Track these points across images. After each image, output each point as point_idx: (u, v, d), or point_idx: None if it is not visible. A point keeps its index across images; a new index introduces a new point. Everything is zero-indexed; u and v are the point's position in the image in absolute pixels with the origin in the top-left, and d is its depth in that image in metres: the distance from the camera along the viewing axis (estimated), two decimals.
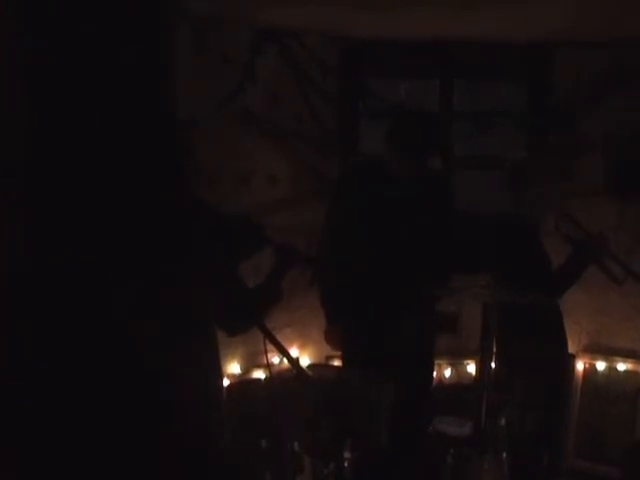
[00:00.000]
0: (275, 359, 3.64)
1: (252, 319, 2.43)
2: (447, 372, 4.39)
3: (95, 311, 2.18)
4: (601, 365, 4.32)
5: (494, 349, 3.31)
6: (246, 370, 4.01)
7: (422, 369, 3.56)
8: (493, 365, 3.35)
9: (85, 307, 2.19)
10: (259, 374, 4.01)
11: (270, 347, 2.40)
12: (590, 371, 4.33)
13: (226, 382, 3.78)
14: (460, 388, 4.19)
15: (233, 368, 3.99)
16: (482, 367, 3.30)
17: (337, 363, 4.10)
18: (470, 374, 4.29)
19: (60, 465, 2.21)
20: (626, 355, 4.29)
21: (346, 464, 2.79)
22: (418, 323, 3.40)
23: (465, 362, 4.37)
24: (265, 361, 2.50)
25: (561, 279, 3.41)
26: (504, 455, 3.38)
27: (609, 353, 4.32)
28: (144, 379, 2.23)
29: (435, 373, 3.98)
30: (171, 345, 2.23)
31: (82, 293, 2.19)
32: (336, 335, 3.45)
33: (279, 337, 2.40)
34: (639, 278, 3.46)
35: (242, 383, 3.95)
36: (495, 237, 3.52)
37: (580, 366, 4.32)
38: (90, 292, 2.19)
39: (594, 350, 4.34)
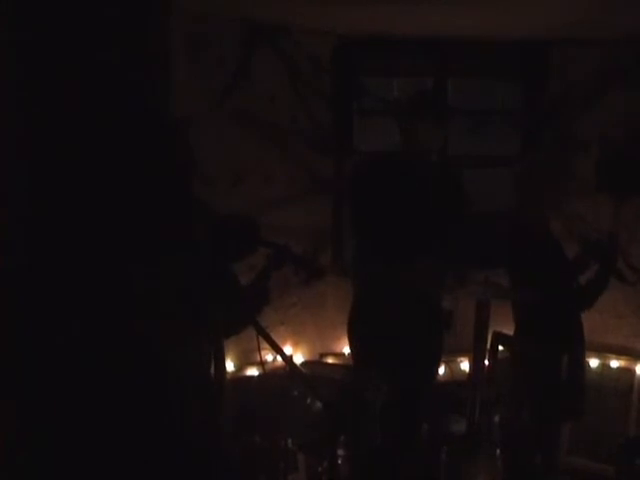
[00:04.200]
0: (269, 357, 3.63)
1: (243, 321, 2.43)
2: (441, 369, 4.38)
3: (97, 310, 2.18)
4: (594, 362, 4.32)
5: (487, 346, 3.31)
6: (240, 368, 4.00)
7: (425, 368, 3.51)
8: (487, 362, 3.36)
9: (86, 306, 2.19)
10: (253, 372, 4.00)
11: (264, 345, 2.40)
12: None
13: None
14: (454, 385, 4.19)
15: (227, 365, 3.98)
16: (475, 364, 3.30)
17: (331, 361, 4.10)
18: (464, 371, 4.28)
19: (61, 461, 2.21)
20: (619, 352, 4.31)
21: (340, 461, 2.79)
22: (427, 322, 3.36)
23: (459, 359, 4.36)
24: (259, 359, 2.50)
25: (587, 291, 3.44)
26: (498, 452, 3.40)
27: (602, 350, 4.32)
28: (147, 378, 2.24)
29: None
30: (173, 345, 2.23)
31: (82, 292, 2.19)
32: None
33: (273, 335, 2.40)
34: None
35: (236, 381, 3.94)
36: (493, 236, 3.52)
37: None
38: (90, 291, 2.19)
39: (587, 347, 4.32)
